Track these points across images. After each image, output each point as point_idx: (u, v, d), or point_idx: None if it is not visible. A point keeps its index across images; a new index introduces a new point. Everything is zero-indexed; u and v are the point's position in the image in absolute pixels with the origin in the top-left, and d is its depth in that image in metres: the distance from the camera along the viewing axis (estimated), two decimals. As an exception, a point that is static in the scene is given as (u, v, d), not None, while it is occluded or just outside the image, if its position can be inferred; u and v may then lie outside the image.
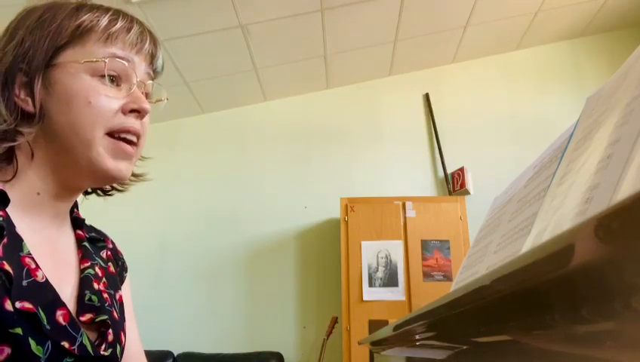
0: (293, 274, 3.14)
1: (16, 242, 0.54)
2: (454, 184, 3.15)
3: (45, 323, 0.52)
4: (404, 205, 2.75)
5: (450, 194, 3.14)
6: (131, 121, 0.61)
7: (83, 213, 0.72)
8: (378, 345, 1.00)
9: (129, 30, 0.63)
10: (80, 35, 0.60)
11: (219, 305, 3.09)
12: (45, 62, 0.58)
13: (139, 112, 0.62)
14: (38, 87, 0.58)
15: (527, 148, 2.88)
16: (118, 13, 0.63)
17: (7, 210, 0.55)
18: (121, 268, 0.76)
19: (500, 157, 3.19)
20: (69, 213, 0.68)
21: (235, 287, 3.12)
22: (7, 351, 0.48)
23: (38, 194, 0.60)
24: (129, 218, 3.06)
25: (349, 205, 2.77)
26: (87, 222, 0.73)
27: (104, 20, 0.61)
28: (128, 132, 0.61)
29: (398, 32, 3.02)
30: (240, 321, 3.06)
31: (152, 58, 0.66)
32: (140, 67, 0.64)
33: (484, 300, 0.33)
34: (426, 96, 3.43)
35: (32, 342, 0.50)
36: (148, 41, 0.65)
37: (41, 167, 0.60)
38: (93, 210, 0.77)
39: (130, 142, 0.62)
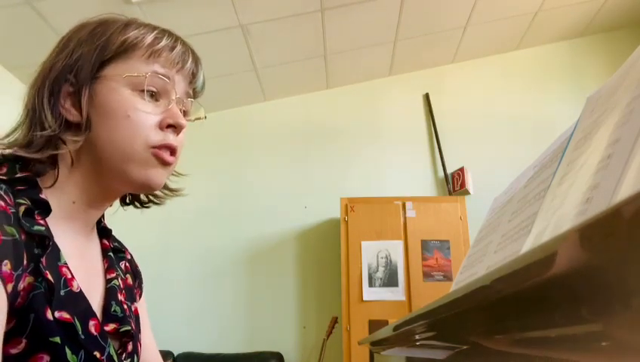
0: (293, 274, 3.14)
1: (55, 252, 0.55)
2: (454, 184, 3.15)
3: (80, 332, 0.53)
4: (404, 205, 2.75)
5: (450, 194, 3.14)
6: (170, 138, 0.62)
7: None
8: (378, 345, 1.00)
9: (172, 49, 0.64)
10: (125, 50, 0.61)
11: (219, 304, 3.09)
12: (92, 74, 0.60)
13: (175, 128, 0.63)
14: (85, 98, 0.59)
15: (527, 148, 2.88)
16: (163, 32, 0.65)
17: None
18: (139, 281, 0.78)
19: (499, 158, 3.19)
20: (97, 223, 0.70)
21: (235, 287, 3.12)
22: (47, 358, 0.49)
23: (74, 202, 0.61)
24: (129, 218, 3.06)
25: (349, 205, 2.77)
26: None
27: (149, 38, 0.62)
28: (166, 148, 0.62)
29: (398, 32, 3.02)
30: (240, 321, 3.06)
31: (192, 77, 0.68)
32: (180, 85, 0.65)
33: (484, 300, 0.33)
34: (426, 96, 3.44)
35: (68, 351, 0.51)
36: (190, 61, 0.66)
37: (79, 175, 0.61)
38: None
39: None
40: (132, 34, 0.62)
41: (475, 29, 3.13)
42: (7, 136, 0.61)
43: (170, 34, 0.65)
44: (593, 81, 3.30)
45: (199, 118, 0.71)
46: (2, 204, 0.51)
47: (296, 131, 3.41)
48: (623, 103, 0.35)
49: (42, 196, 0.56)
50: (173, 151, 0.63)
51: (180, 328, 3.04)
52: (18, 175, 0.56)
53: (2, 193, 0.52)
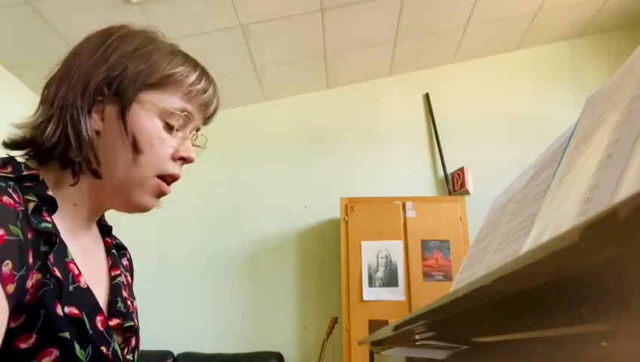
0: (293, 274, 3.14)
1: (62, 248, 0.56)
2: (454, 184, 3.15)
3: (88, 328, 0.54)
4: (404, 205, 2.75)
5: (450, 194, 3.14)
6: (178, 169, 0.66)
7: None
8: (378, 345, 1.00)
9: (205, 92, 0.68)
10: (168, 83, 0.64)
11: (219, 304, 3.09)
12: (133, 98, 0.62)
13: (185, 160, 0.67)
14: (129, 117, 0.61)
15: (527, 148, 2.88)
16: (203, 73, 0.68)
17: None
18: (133, 280, 0.79)
19: (499, 158, 3.18)
20: (98, 220, 0.72)
21: (235, 287, 3.12)
22: (56, 353, 0.51)
23: (75, 205, 0.63)
24: (128, 218, 3.05)
25: (349, 205, 2.77)
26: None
27: (192, 77, 0.66)
28: (173, 178, 0.66)
29: (398, 32, 3.02)
30: (240, 321, 3.06)
31: (209, 117, 0.72)
32: (198, 122, 0.70)
33: (484, 300, 0.33)
34: (426, 96, 3.43)
35: (76, 346, 0.52)
36: (214, 104, 0.71)
37: (84, 183, 0.62)
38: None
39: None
40: (179, 70, 0.65)
41: (475, 29, 3.13)
42: (28, 125, 0.61)
43: (207, 76, 0.69)
44: (593, 81, 3.30)
45: (198, 146, 0.74)
46: (11, 201, 0.51)
47: (296, 131, 3.41)
48: (623, 103, 0.35)
49: (49, 193, 0.57)
50: (174, 180, 0.67)
51: (180, 328, 3.04)
52: (24, 173, 0.57)
53: (11, 191, 0.52)
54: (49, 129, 0.59)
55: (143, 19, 2.47)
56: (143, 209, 0.66)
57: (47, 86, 0.63)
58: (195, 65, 0.68)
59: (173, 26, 2.61)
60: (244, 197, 3.29)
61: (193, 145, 0.71)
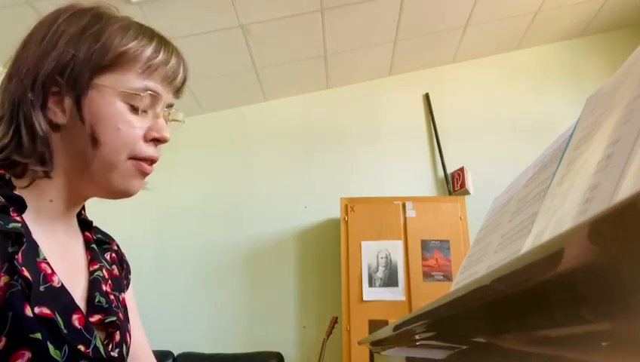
0: (293, 274, 3.14)
1: (33, 248, 0.55)
2: (454, 184, 3.15)
3: (62, 327, 0.53)
4: (404, 205, 2.75)
5: (450, 194, 3.14)
6: (152, 150, 0.63)
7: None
8: (378, 345, 1.00)
9: (167, 64, 0.64)
10: (122, 62, 0.60)
11: (219, 304, 3.09)
12: (88, 84, 0.59)
13: (159, 141, 0.64)
14: (85, 105, 0.58)
15: (527, 148, 2.88)
16: (161, 43, 0.64)
17: (23, 215, 0.56)
18: (126, 270, 0.77)
19: (499, 157, 3.19)
20: (78, 215, 0.69)
21: (235, 287, 3.12)
22: (28, 355, 0.50)
23: (51, 201, 0.61)
24: (128, 218, 3.06)
25: (349, 205, 2.77)
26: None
27: (148, 51, 0.62)
28: (149, 160, 0.63)
29: (398, 32, 3.02)
30: (240, 321, 3.06)
31: (178, 88, 0.68)
32: (167, 97, 0.66)
33: (484, 300, 0.33)
34: (426, 96, 3.43)
35: (50, 347, 0.51)
36: (180, 75, 0.67)
37: (58, 178, 0.61)
38: (93, 209, 0.78)
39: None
40: (132, 45, 0.61)
41: (475, 29, 3.13)
42: None
43: (166, 44, 0.65)
44: (593, 81, 3.30)
45: (176, 120, 0.69)
46: None
47: (296, 131, 3.41)
48: (622, 103, 0.35)
49: (16, 193, 0.56)
50: (152, 161, 0.64)
51: (180, 328, 3.04)
52: None
53: None
54: (1, 131, 0.58)
55: (143, 20, 2.47)
56: (130, 193, 0.63)
57: (1, 86, 0.60)
58: (151, 36, 0.63)
59: (173, 26, 2.60)
60: (244, 197, 3.29)
61: (171, 120, 0.68)
